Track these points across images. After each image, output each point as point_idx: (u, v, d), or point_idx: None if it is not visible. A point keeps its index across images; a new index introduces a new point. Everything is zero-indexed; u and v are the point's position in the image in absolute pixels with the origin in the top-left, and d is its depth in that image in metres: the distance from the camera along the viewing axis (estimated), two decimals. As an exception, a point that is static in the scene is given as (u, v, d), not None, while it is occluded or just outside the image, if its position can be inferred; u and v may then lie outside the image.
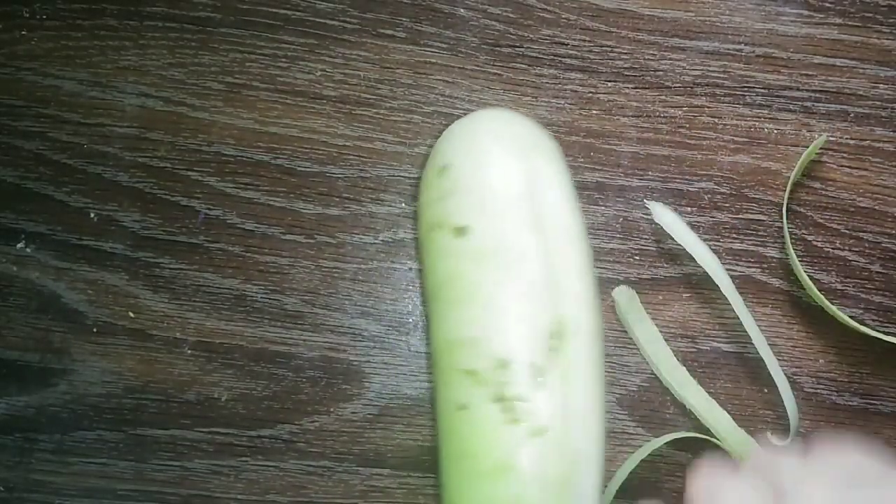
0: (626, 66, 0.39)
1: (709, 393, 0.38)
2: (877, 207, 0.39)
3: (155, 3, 0.38)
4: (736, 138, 0.39)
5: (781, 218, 0.38)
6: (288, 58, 0.38)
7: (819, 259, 0.39)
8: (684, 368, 0.38)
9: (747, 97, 0.40)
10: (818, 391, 0.38)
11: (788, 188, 0.38)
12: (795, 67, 0.40)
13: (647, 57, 0.39)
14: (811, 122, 0.40)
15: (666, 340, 0.38)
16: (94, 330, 0.37)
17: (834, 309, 0.37)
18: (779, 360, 0.38)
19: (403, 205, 0.38)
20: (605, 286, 0.38)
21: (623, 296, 0.38)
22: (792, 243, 0.38)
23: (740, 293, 0.38)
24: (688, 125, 0.39)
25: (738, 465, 0.29)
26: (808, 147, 0.39)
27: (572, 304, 0.33)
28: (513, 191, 0.33)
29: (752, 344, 0.37)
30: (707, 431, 0.37)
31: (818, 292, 0.37)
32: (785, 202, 0.38)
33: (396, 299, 0.37)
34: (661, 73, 0.39)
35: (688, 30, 0.40)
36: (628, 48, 0.39)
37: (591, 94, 0.39)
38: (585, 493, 0.32)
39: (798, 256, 0.38)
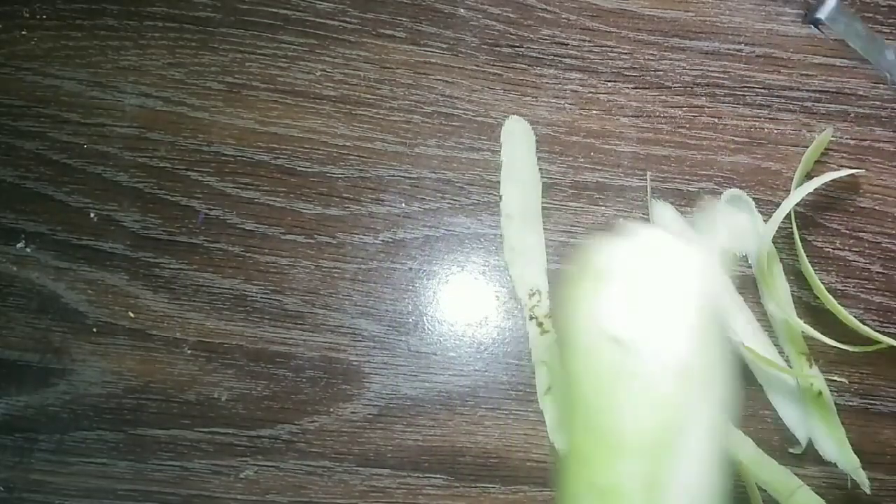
0: (626, 66, 0.39)
1: (709, 393, 0.38)
2: (877, 207, 0.39)
3: (155, 3, 0.38)
4: (736, 138, 0.39)
5: (789, 217, 0.38)
6: (288, 58, 0.38)
7: (819, 259, 0.39)
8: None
9: (747, 97, 0.40)
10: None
11: (795, 183, 0.38)
12: (795, 67, 0.40)
13: (647, 57, 0.39)
14: (811, 122, 0.40)
15: (666, 340, 0.38)
16: (94, 330, 0.37)
17: (837, 306, 0.37)
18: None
19: (403, 205, 0.38)
20: (605, 286, 0.38)
21: (623, 296, 0.38)
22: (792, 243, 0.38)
23: (740, 293, 0.38)
24: (688, 125, 0.39)
25: None
26: (808, 146, 0.39)
27: None
28: None
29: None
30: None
31: (820, 284, 0.37)
32: (791, 201, 0.37)
33: (396, 299, 0.37)
34: (661, 73, 0.39)
35: (688, 30, 0.40)
36: (628, 48, 0.39)
37: (591, 94, 0.39)
38: None
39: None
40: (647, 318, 0.28)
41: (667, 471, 0.29)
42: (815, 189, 0.38)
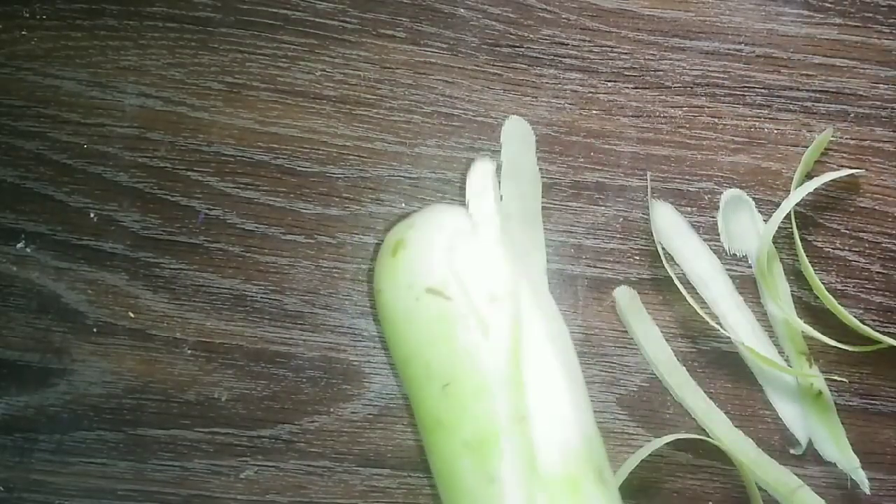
0: (626, 66, 0.39)
1: (709, 393, 0.38)
2: (877, 207, 0.39)
3: (155, 3, 0.38)
4: (736, 138, 0.39)
5: (789, 217, 0.38)
6: (288, 58, 0.38)
7: (819, 259, 0.39)
8: (684, 368, 0.38)
9: (747, 97, 0.40)
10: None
11: (795, 183, 0.38)
12: (795, 67, 0.40)
13: (647, 57, 0.39)
14: (811, 122, 0.40)
15: (666, 340, 0.38)
16: (94, 330, 0.37)
17: (837, 306, 0.37)
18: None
19: (403, 205, 0.38)
20: (605, 286, 0.38)
21: (623, 296, 0.38)
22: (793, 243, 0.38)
23: (740, 293, 0.38)
24: (688, 125, 0.39)
25: None
26: (808, 146, 0.39)
27: None
28: None
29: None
30: (706, 433, 0.37)
31: (820, 284, 0.37)
32: (791, 201, 0.37)
33: (396, 299, 0.37)
34: (661, 73, 0.39)
35: (688, 30, 0.40)
36: (628, 48, 0.39)
37: (591, 94, 0.39)
38: None
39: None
40: (452, 270, 0.32)
41: (524, 398, 0.30)
42: (815, 189, 0.38)
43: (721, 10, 0.40)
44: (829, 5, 0.40)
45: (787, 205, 0.37)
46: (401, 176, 0.38)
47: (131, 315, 0.37)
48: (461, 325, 0.31)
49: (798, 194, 0.37)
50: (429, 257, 0.32)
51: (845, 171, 0.38)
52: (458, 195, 0.38)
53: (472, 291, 0.31)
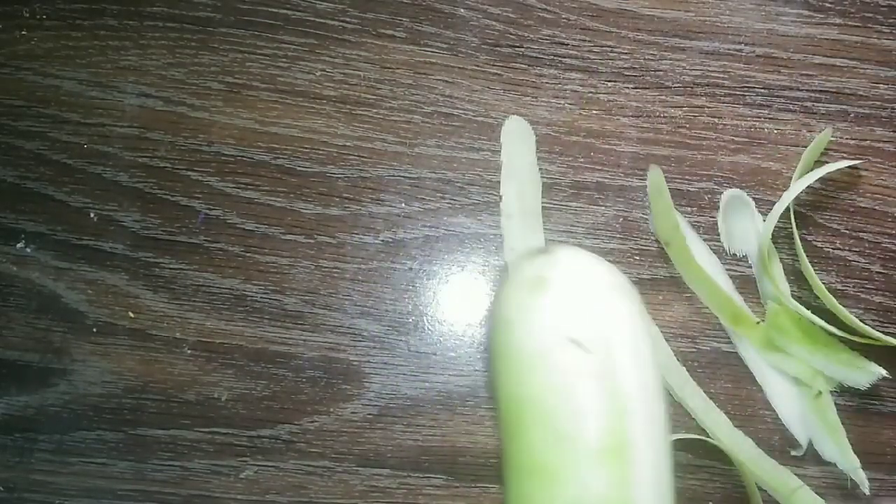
0: (626, 66, 0.39)
1: (709, 393, 0.38)
2: (877, 207, 0.39)
3: (155, 3, 0.38)
4: (736, 138, 0.39)
5: (789, 217, 0.38)
6: (288, 58, 0.38)
7: (819, 259, 0.39)
8: (684, 368, 0.38)
9: (747, 97, 0.40)
10: (818, 391, 0.38)
11: (795, 180, 0.38)
12: (795, 67, 0.40)
13: (647, 57, 0.39)
14: (811, 122, 0.40)
15: (666, 340, 0.38)
16: (94, 330, 0.37)
17: (837, 306, 0.37)
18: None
19: (403, 205, 0.38)
20: (605, 286, 0.38)
21: (623, 296, 0.38)
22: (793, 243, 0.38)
23: (740, 293, 0.38)
24: (688, 125, 0.39)
25: None
26: (808, 146, 0.39)
27: None
28: None
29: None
30: (706, 433, 0.37)
31: (820, 284, 0.37)
32: (791, 200, 0.37)
33: (396, 299, 0.37)
34: (661, 73, 0.39)
35: (688, 30, 0.40)
36: (628, 48, 0.39)
37: (591, 94, 0.39)
38: None
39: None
40: (592, 321, 0.28)
41: (632, 468, 0.29)
42: (816, 189, 0.38)
43: (721, 10, 0.40)
44: (829, 5, 0.40)
45: (788, 196, 0.37)
46: (401, 176, 0.38)
47: (131, 315, 0.37)
48: (595, 383, 0.28)
49: (798, 186, 0.37)
50: (577, 305, 0.29)
51: (845, 163, 0.38)
52: (458, 195, 0.38)
53: (615, 351, 0.29)
